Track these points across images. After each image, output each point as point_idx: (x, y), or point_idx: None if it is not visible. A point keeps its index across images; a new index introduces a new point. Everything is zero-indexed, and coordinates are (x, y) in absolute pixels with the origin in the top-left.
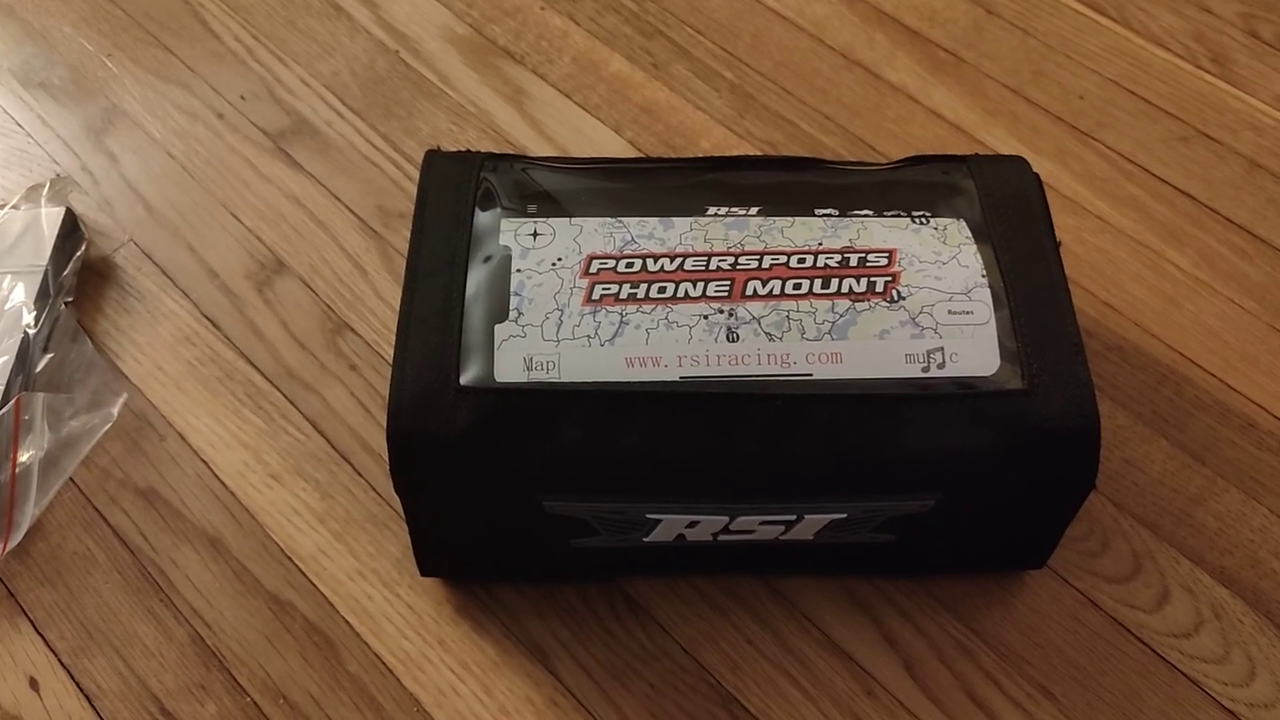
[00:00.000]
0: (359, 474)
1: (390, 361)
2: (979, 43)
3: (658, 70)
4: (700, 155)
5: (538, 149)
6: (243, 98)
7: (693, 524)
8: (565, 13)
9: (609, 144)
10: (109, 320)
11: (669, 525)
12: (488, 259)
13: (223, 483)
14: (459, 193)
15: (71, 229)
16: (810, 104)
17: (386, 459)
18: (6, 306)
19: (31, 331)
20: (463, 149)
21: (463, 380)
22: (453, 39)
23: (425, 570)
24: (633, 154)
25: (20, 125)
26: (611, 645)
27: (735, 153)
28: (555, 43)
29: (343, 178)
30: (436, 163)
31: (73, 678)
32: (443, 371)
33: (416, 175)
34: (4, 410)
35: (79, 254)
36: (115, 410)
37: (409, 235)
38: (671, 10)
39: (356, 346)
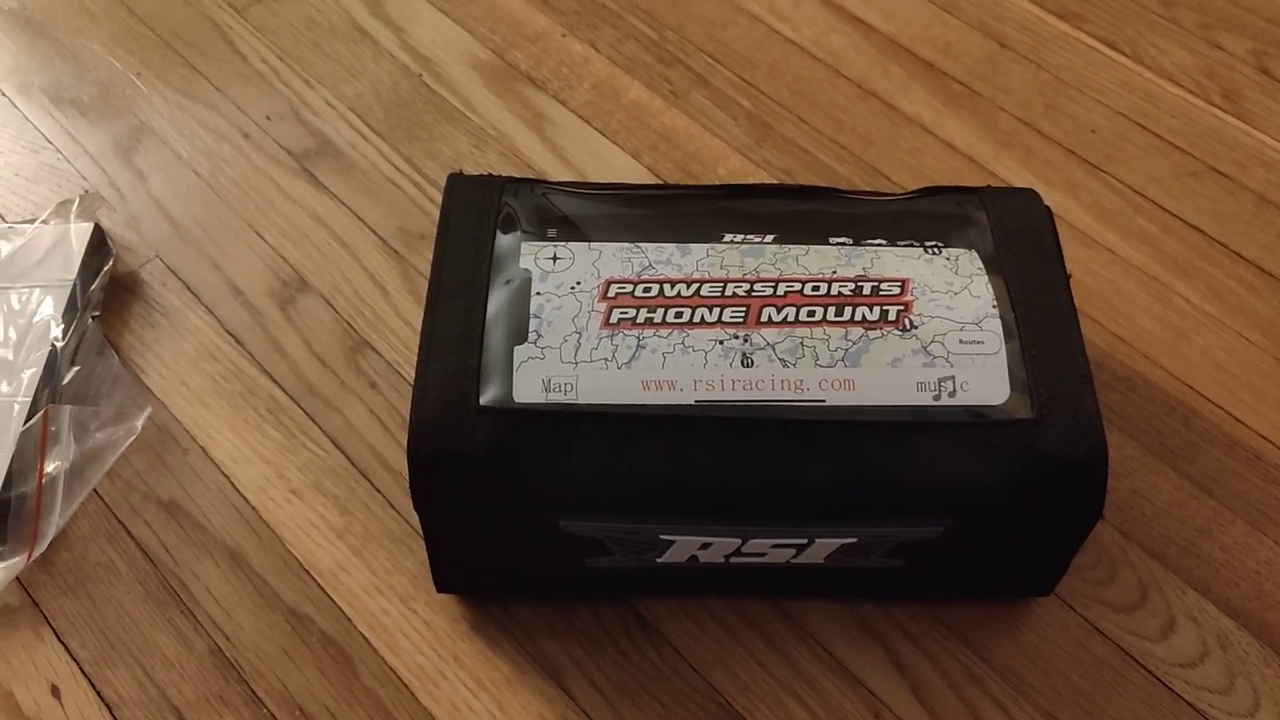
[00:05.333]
0: (377, 490)
1: (410, 381)
2: (992, 76)
3: (676, 98)
4: (717, 182)
5: (557, 173)
6: (268, 118)
7: (705, 545)
8: (586, 40)
9: (628, 169)
10: (134, 335)
11: (682, 546)
12: (508, 282)
13: (244, 497)
14: (480, 216)
15: (99, 244)
16: (826, 133)
17: (406, 476)
18: (35, 319)
19: (59, 344)
20: (485, 173)
21: (482, 400)
22: (475, 64)
23: (441, 586)
24: (651, 180)
25: (50, 141)
26: (623, 664)
27: (752, 180)
28: (576, 69)
29: (365, 198)
30: (459, 186)
31: (94, 686)
32: (463, 392)
33: (438, 197)
34: (32, 421)
35: (106, 269)
36: (139, 423)
37: (430, 257)
38: (690, 39)
39: (377, 365)
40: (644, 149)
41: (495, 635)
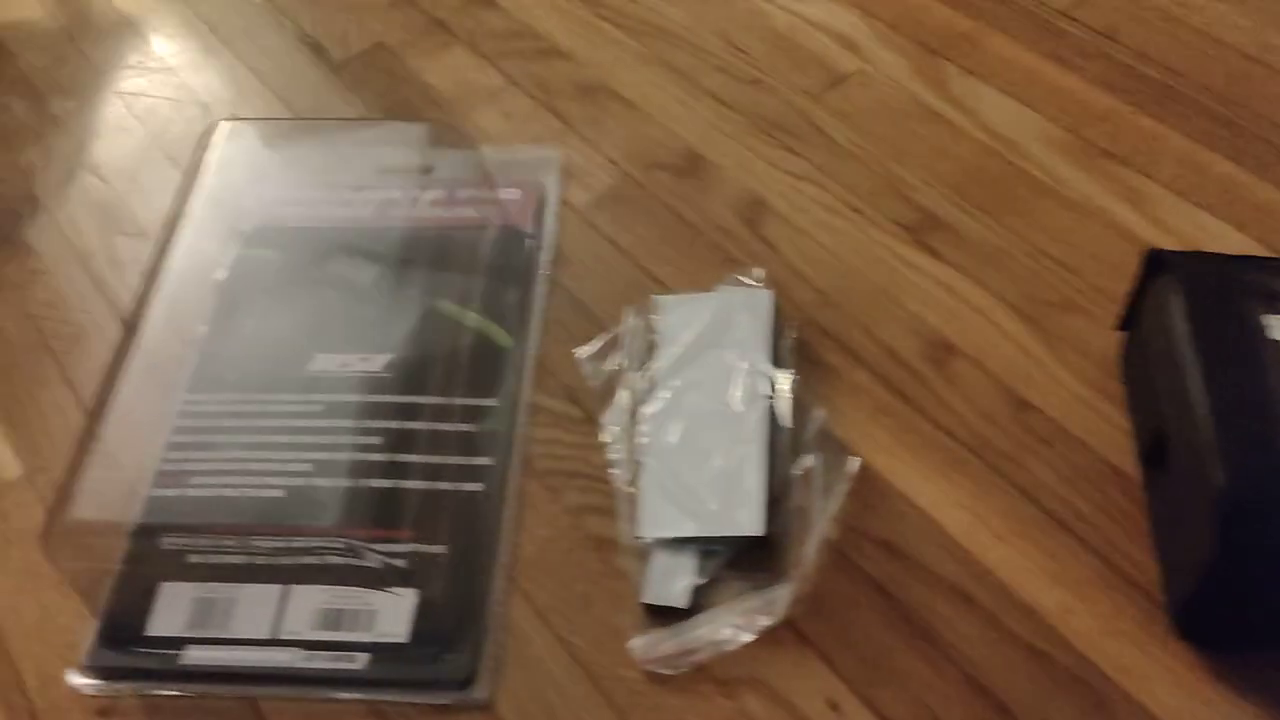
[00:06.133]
0: (1080, 539)
1: (1080, 439)
2: None
3: (1264, 171)
4: None
5: (1164, 243)
6: (871, 194)
7: None
8: (1155, 116)
9: (1236, 241)
10: (813, 393)
11: None
12: (1268, 352)
13: (953, 539)
14: (1215, 292)
15: (776, 310)
16: None
17: (1104, 529)
18: (748, 377)
19: (773, 400)
20: (1191, 249)
21: None
22: (1051, 142)
23: (1187, 634)
24: (1267, 251)
25: (682, 218)
26: None
27: None
28: (1153, 144)
29: (985, 268)
30: (1173, 262)
31: (870, 705)
32: (1274, 454)
33: (1055, 267)
34: (795, 472)
35: (788, 333)
36: (850, 472)
37: (1062, 320)
38: (1261, 114)
39: (1043, 424)
40: (1247, 221)
41: (1239, 684)
